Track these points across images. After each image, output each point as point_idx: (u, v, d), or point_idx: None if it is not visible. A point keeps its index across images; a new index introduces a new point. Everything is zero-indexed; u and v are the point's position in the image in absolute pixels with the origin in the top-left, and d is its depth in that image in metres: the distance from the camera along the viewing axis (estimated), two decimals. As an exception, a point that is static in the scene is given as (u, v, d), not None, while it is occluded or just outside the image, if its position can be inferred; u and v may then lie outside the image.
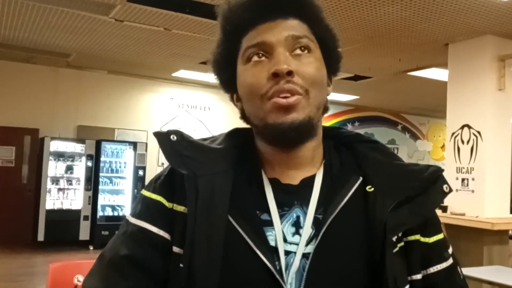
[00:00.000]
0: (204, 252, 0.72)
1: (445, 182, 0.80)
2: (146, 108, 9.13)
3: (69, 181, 8.01)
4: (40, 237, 7.64)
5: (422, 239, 0.79)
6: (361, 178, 0.80)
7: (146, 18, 5.53)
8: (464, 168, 5.56)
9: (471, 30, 5.40)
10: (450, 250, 0.84)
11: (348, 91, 9.31)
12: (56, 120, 8.35)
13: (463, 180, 5.53)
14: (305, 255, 0.74)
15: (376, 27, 5.44)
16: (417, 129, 12.33)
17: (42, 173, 7.82)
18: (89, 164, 8.03)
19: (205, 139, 0.83)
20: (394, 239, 0.74)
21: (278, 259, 0.73)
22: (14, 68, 8.07)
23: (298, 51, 0.76)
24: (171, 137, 0.77)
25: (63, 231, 7.77)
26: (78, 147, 8.05)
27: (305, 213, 0.77)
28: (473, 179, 5.45)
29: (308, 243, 0.75)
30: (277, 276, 0.71)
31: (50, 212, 7.73)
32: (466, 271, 3.67)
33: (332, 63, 0.82)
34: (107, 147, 8.21)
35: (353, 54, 6.47)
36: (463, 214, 5.29)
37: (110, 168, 8.25)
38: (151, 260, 0.76)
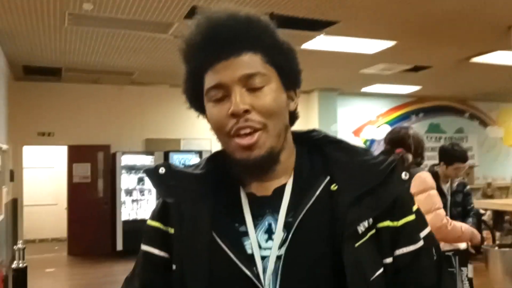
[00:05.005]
0: (192, 268, 0.82)
1: (403, 170, 0.84)
2: (208, 116, 9.37)
3: (142, 192, 8.40)
4: (119, 246, 8.09)
5: (391, 224, 0.82)
6: (327, 178, 0.85)
7: (202, 31, 5.71)
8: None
9: (535, 10, 5.14)
10: (423, 232, 0.86)
11: (409, 82, 9.09)
12: (125, 135, 8.79)
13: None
14: (279, 257, 0.81)
15: (433, 16, 5.31)
16: (487, 116, 11.76)
17: (116, 186, 8.30)
18: (159, 174, 8.36)
19: (190, 166, 0.94)
20: (361, 230, 0.79)
21: (255, 264, 0.81)
22: (83, 89, 8.61)
23: (253, 86, 0.81)
24: (160, 170, 0.89)
25: (139, 240, 8.04)
26: (147, 159, 8.44)
27: (276, 220, 0.83)
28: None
29: (281, 246, 0.81)
30: (255, 280, 0.79)
31: (126, 223, 8.17)
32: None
33: (291, 80, 0.87)
34: (174, 157, 8.54)
35: (411, 45, 6.34)
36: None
37: (178, 177, 8.56)
38: (156, 283, 0.90)
